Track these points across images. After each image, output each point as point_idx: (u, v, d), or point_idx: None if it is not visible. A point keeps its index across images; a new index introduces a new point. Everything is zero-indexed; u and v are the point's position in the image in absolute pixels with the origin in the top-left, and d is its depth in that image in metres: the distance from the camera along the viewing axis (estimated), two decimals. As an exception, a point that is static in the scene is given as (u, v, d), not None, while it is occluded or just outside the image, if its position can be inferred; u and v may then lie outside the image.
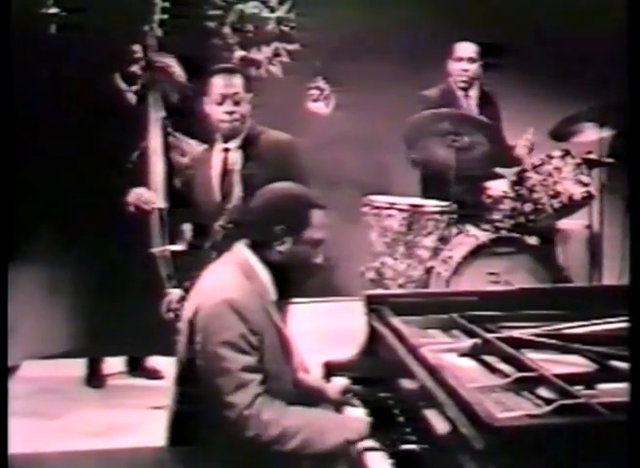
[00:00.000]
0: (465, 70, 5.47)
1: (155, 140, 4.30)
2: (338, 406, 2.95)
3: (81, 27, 4.87)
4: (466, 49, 5.48)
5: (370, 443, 2.62)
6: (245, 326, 2.64)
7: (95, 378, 5.03)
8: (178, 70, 4.48)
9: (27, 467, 3.94)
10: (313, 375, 3.13)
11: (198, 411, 2.70)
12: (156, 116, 4.36)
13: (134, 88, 4.75)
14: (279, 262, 2.76)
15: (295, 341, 3.00)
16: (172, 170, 4.34)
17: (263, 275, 2.77)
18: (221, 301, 2.66)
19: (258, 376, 2.65)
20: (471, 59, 5.47)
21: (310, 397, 2.96)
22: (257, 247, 2.79)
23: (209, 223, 3.92)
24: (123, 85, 4.82)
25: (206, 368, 2.64)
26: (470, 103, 5.53)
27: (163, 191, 4.25)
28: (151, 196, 4.26)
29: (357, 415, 2.82)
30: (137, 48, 4.69)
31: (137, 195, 4.32)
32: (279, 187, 2.89)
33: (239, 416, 2.59)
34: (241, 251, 2.81)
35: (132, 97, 4.80)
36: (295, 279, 2.83)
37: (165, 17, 4.45)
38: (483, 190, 5.32)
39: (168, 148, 4.34)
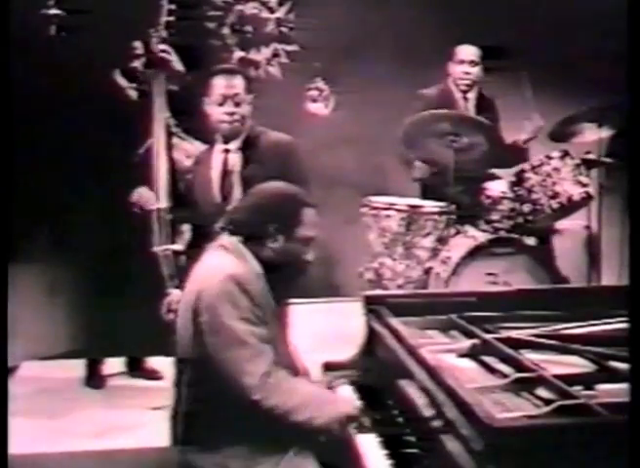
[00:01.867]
0: (467, 73, 5.47)
1: (159, 140, 4.30)
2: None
3: (81, 29, 4.88)
4: (468, 52, 5.47)
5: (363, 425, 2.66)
6: (250, 299, 2.72)
7: (94, 379, 5.03)
8: (176, 62, 4.46)
9: (27, 467, 3.94)
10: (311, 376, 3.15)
11: (206, 405, 2.73)
12: (160, 116, 4.35)
13: (134, 85, 4.76)
14: (270, 260, 2.83)
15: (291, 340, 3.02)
16: (174, 169, 4.34)
17: (252, 260, 2.83)
18: (226, 277, 2.73)
19: (270, 347, 2.73)
20: (473, 62, 5.47)
21: None
22: (248, 245, 2.85)
23: (209, 224, 3.92)
24: (123, 82, 4.82)
25: (218, 343, 2.68)
26: (468, 106, 5.53)
27: (166, 191, 4.25)
28: (151, 196, 4.26)
29: (348, 395, 2.89)
30: (137, 44, 4.70)
31: (138, 195, 4.33)
32: (270, 187, 2.97)
33: (260, 383, 2.64)
34: (228, 239, 2.87)
35: (133, 94, 4.80)
36: (286, 276, 2.89)
37: (171, 19, 4.45)
38: (482, 191, 5.32)
39: (171, 148, 4.34)
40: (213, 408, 2.71)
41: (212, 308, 2.71)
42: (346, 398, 2.85)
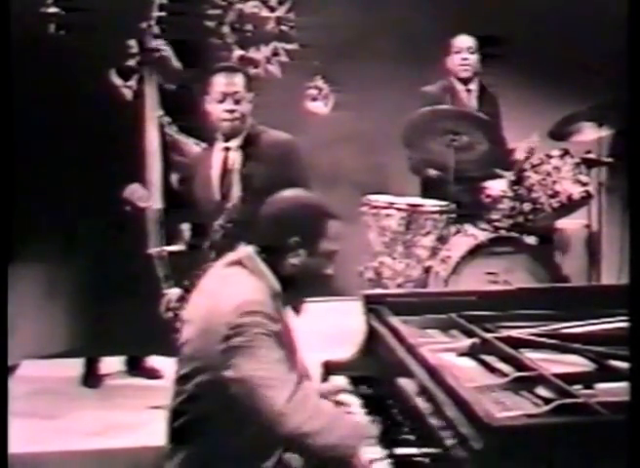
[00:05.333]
0: (465, 59, 5.47)
1: (152, 139, 4.30)
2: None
3: (80, 27, 4.88)
4: (464, 40, 5.49)
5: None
6: (269, 322, 2.56)
7: (91, 378, 5.02)
8: (173, 58, 4.43)
9: (27, 467, 3.93)
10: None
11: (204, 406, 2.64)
12: (153, 114, 4.35)
13: (129, 83, 4.75)
14: (290, 275, 2.66)
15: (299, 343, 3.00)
16: (169, 169, 4.33)
17: (271, 278, 2.66)
18: (245, 302, 2.55)
19: (288, 368, 2.59)
20: (470, 49, 5.48)
21: None
22: (268, 257, 2.67)
23: (208, 223, 3.92)
24: (119, 81, 4.81)
25: (238, 365, 2.52)
26: (471, 99, 5.52)
27: (160, 190, 4.24)
28: (145, 193, 4.25)
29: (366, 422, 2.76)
30: (132, 43, 4.69)
31: (131, 191, 4.32)
32: (293, 196, 2.77)
33: (286, 403, 2.48)
34: (246, 252, 2.71)
35: (128, 93, 4.79)
36: (304, 290, 2.75)
37: (163, 14, 4.44)
38: (482, 190, 5.32)
39: (165, 147, 4.34)
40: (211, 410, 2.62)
41: (230, 332, 2.52)
42: (362, 424, 2.69)
